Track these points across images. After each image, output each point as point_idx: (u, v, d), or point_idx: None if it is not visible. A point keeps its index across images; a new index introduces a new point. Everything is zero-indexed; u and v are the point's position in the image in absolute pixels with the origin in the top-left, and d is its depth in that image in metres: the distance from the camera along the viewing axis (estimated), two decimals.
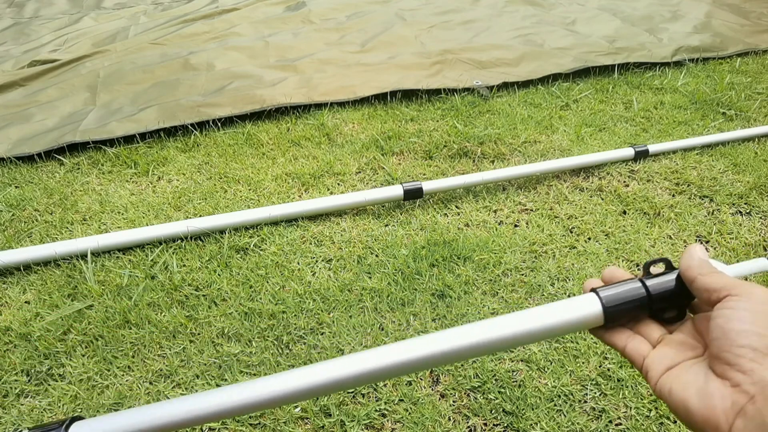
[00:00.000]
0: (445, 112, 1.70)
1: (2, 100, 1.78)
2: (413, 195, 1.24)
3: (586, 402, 0.84)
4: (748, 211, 1.26)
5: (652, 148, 1.43)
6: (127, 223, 1.23)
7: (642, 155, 1.42)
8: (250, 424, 0.82)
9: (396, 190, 1.24)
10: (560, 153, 1.49)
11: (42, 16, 2.74)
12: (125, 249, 1.14)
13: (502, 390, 0.86)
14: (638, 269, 1.10)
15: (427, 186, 1.25)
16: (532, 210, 1.27)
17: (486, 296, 1.02)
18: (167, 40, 2.21)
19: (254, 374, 0.89)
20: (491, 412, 0.83)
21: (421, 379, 0.88)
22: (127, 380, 0.88)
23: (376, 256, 1.12)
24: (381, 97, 1.77)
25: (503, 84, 1.84)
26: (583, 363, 0.90)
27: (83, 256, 1.11)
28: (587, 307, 0.42)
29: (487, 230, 1.20)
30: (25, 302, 1.03)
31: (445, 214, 1.26)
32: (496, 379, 0.88)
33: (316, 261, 1.11)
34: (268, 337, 0.95)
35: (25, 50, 2.25)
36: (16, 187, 1.37)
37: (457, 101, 1.74)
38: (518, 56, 1.99)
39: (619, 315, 0.41)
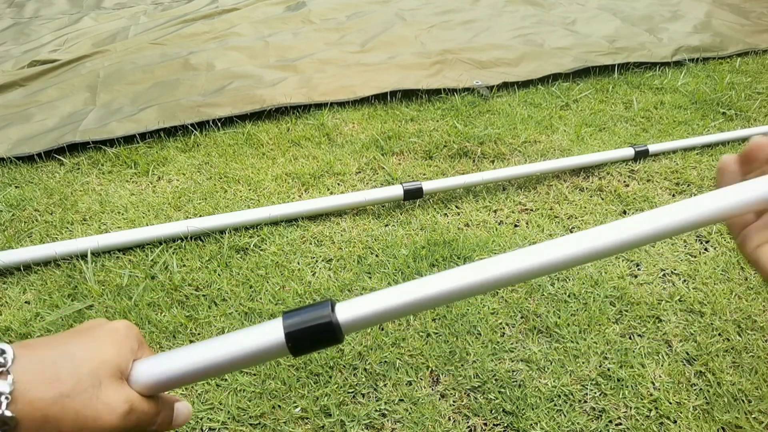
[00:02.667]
0: (445, 112, 1.69)
1: (2, 100, 1.78)
2: (413, 195, 1.24)
3: (586, 402, 0.84)
4: None
5: (652, 147, 1.43)
6: (127, 223, 1.23)
7: (642, 155, 1.42)
8: (251, 425, 0.82)
9: (396, 190, 1.24)
10: (560, 153, 1.49)
11: (42, 16, 2.75)
12: (125, 249, 1.14)
13: (502, 390, 0.86)
14: (638, 269, 1.10)
15: (427, 186, 1.25)
16: (532, 210, 1.27)
17: (486, 296, 1.02)
18: (167, 40, 2.21)
19: (254, 374, 0.89)
20: (491, 412, 0.83)
21: (421, 379, 0.88)
22: None
23: (376, 256, 1.12)
24: (381, 97, 1.77)
25: (503, 84, 1.84)
26: (583, 363, 0.90)
27: (83, 256, 1.11)
28: None
29: (487, 230, 1.20)
30: (25, 302, 1.03)
31: (445, 214, 1.26)
32: (496, 379, 0.88)
33: (316, 261, 1.11)
34: None
35: (25, 50, 2.25)
36: (16, 187, 1.37)
37: (457, 101, 1.74)
38: (518, 56, 1.99)
39: None
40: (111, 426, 0.31)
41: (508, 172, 1.32)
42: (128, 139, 1.55)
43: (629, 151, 1.41)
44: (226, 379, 0.88)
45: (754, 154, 0.40)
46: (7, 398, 0.27)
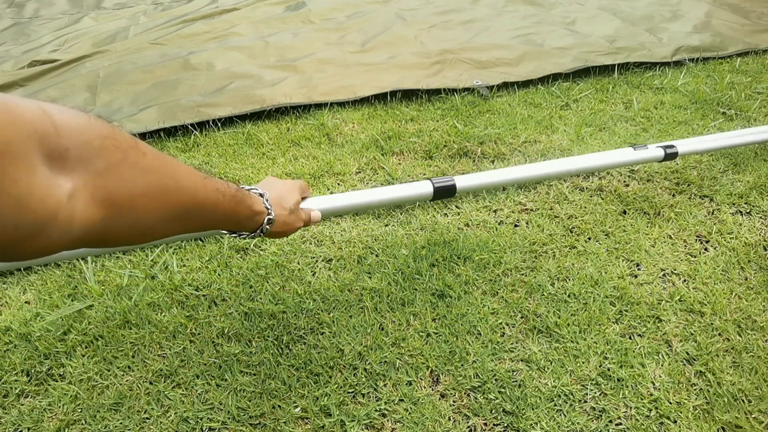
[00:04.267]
0: (445, 112, 1.69)
1: None
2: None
3: (586, 402, 0.84)
4: (748, 210, 1.26)
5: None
6: None
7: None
8: (251, 425, 0.82)
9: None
10: (560, 153, 1.49)
11: (42, 16, 2.74)
12: (125, 249, 1.14)
13: (502, 390, 0.86)
14: (638, 269, 1.10)
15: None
16: (532, 210, 1.27)
17: (486, 296, 1.02)
18: (167, 40, 2.21)
19: (254, 374, 0.89)
20: (491, 412, 0.83)
21: (421, 379, 0.88)
22: (127, 380, 0.88)
23: (376, 256, 1.12)
24: (381, 97, 1.77)
25: (503, 84, 1.84)
26: (583, 363, 0.90)
27: (83, 256, 1.11)
28: None
29: (487, 230, 1.20)
30: (25, 302, 1.03)
31: (445, 214, 1.26)
32: (496, 379, 0.88)
33: (316, 261, 1.11)
34: (268, 337, 0.95)
35: (25, 50, 2.25)
36: None
37: (457, 101, 1.74)
38: (518, 56, 1.99)
39: None
40: (299, 227, 0.73)
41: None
42: None
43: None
44: (226, 379, 0.88)
45: None
46: (269, 212, 0.64)
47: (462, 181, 0.99)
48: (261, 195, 0.63)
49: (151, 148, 0.42)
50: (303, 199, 0.77)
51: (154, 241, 0.48)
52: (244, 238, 0.66)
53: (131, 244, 0.46)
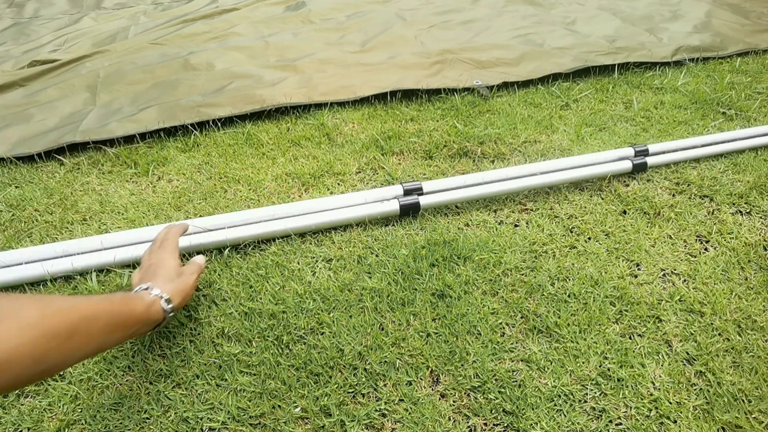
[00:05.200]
0: (445, 112, 1.69)
1: (2, 100, 1.78)
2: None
3: (586, 402, 0.84)
4: (748, 210, 1.26)
5: (653, 148, 1.43)
6: (127, 223, 1.23)
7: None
8: (251, 425, 0.82)
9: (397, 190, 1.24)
10: (560, 153, 1.49)
11: (42, 16, 2.75)
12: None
13: (502, 390, 0.86)
14: (638, 269, 1.10)
15: (427, 188, 1.25)
16: (532, 210, 1.27)
17: (486, 296, 1.02)
18: (167, 40, 2.21)
19: (254, 374, 0.89)
20: (491, 412, 0.83)
21: (421, 379, 0.88)
22: (127, 380, 0.88)
23: (376, 256, 1.12)
24: (381, 97, 1.77)
25: (503, 84, 1.84)
26: (583, 363, 0.90)
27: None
28: None
29: (487, 230, 1.20)
30: None
31: (445, 214, 1.26)
32: (496, 379, 0.88)
33: (316, 261, 1.11)
34: (268, 337, 0.95)
35: (25, 50, 2.26)
36: (16, 187, 1.37)
37: (457, 101, 1.74)
38: (518, 56, 1.99)
39: None
40: (195, 279, 0.91)
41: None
42: (128, 139, 1.55)
43: (629, 151, 1.40)
44: (226, 379, 0.88)
45: None
46: (160, 296, 0.79)
47: (426, 199, 1.22)
48: (145, 289, 0.77)
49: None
50: (184, 232, 1.02)
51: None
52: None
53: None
